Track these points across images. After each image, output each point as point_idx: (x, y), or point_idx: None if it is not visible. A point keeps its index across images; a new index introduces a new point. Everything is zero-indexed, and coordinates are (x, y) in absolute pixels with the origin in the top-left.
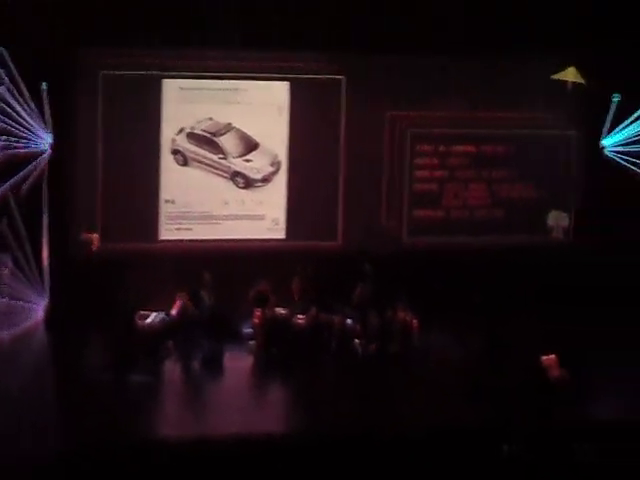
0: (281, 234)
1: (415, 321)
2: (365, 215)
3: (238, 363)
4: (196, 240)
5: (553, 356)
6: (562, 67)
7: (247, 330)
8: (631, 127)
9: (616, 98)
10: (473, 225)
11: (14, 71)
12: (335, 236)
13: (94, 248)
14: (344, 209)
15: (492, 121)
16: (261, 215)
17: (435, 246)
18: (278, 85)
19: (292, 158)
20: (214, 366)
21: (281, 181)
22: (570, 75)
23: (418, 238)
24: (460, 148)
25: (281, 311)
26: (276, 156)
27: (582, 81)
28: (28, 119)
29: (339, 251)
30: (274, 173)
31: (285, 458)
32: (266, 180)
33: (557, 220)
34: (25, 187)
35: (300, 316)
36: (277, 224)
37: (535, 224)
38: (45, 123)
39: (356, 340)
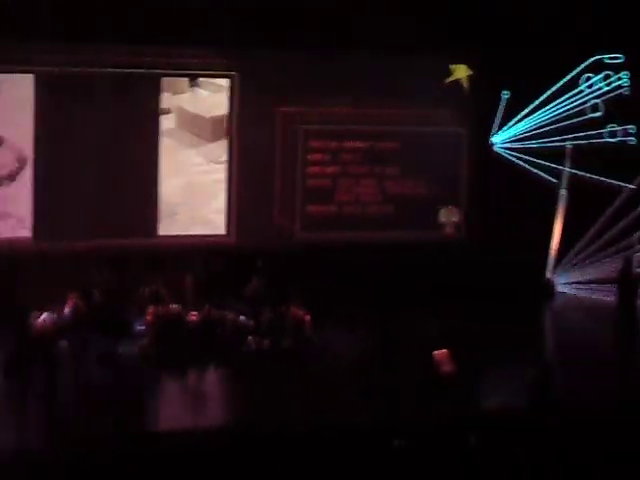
0: (27, 232)
1: (308, 316)
2: (258, 211)
3: (131, 361)
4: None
5: (445, 351)
6: (452, 65)
7: (140, 328)
8: (520, 124)
9: (505, 95)
10: (365, 221)
11: None
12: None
13: None
14: (236, 205)
15: (384, 118)
16: (8, 213)
17: (328, 242)
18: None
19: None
20: (108, 364)
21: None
22: (460, 73)
23: (311, 234)
24: (352, 144)
25: (174, 308)
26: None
27: (472, 79)
28: None
29: (232, 247)
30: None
31: (174, 455)
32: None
33: (448, 216)
34: None
35: (193, 313)
36: (23, 222)
37: (427, 220)
38: None
39: (249, 336)
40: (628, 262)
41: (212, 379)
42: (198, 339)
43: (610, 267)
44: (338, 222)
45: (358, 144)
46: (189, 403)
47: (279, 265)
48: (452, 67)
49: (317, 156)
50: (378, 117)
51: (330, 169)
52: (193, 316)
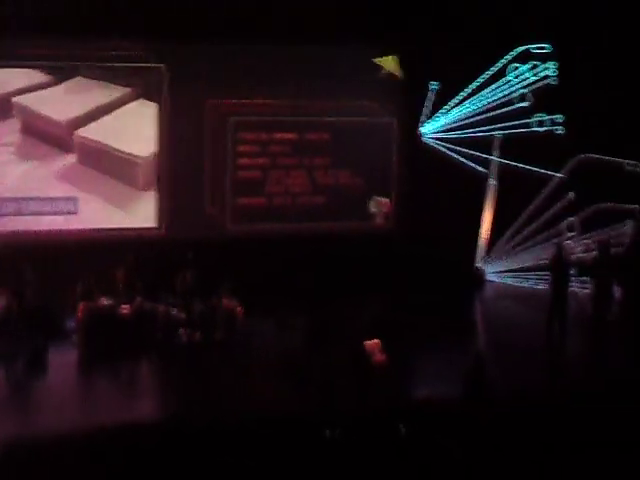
0: None
1: (239, 308)
2: (189, 203)
3: (63, 358)
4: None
5: (376, 341)
6: (381, 56)
7: (71, 324)
8: (449, 114)
9: (434, 86)
10: (296, 212)
11: None
12: None
13: None
14: (169, 197)
15: (313, 109)
16: None
17: (259, 233)
18: None
19: None
20: (38, 362)
21: None
22: (389, 63)
23: (242, 225)
24: (281, 136)
25: (105, 302)
26: None
27: (400, 69)
28: None
29: (163, 239)
30: None
31: (110, 450)
32: None
33: (378, 207)
34: None
35: (124, 306)
36: None
37: (357, 211)
38: None
39: (181, 328)
40: (560, 248)
41: (144, 373)
42: (130, 333)
43: (539, 255)
44: (269, 213)
45: (288, 135)
46: (121, 398)
47: (210, 257)
48: (380, 60)
49: (247, 148)
50: (307, 108)
51: (260, 160)
52: (125, 310)
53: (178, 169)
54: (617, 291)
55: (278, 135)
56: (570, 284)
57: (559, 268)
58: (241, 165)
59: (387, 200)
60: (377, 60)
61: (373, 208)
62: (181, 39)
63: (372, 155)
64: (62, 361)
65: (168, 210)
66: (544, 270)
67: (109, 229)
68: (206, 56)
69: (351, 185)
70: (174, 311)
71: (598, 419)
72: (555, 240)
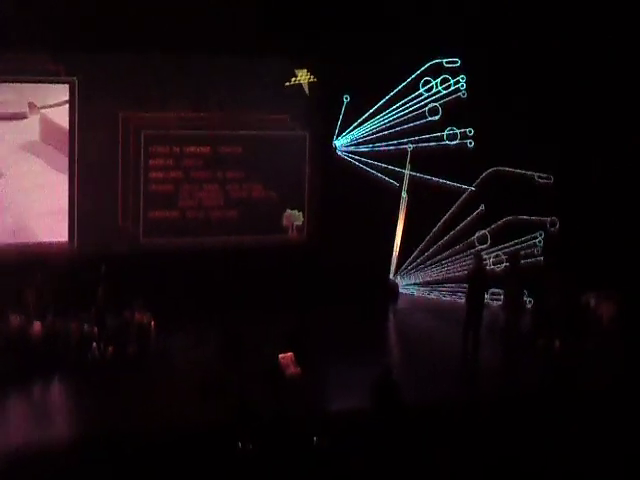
0: None
1: (152, 322)
2: (101, 217)
3: None
4: None
5: (290, 353)
6: (294, 69)
7: None
8: (361, 127)
9: (346, 99)
10: (209, 226)
11: None
12: None
13: None
14: (78, 211)
15: (226, 122)
16: None
17: (172, 247)
18: None
19: None
20: None
21: None
22: (302, 77)
23: (155, 239)
24: (194, 149)
25: (15, 320)
26: None
27: (313, 83)
28: None
29: (75, 254)
30: None
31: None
32: None
33: (292, 220)
34: None
35: (36, 323)
36: None
37: (271, 224)
38: None
39: (94, 344)
40: (479, 259)
41: (57, 391)
42: (41, 351)
43: (451, 268)
44: (182, 227)
45: (200, 149)
46: (33, 417)
47: (123, 271)
48: (295, 76)
49: (159, 161)
50: (220, 121)
51: (173, 174)
52: (36, 328)
53: (90, 183)
54: (528, 302)
55: (191, 148)
56: (486, 295)
57: (477, 279)
58: (154, 179)
59: (300, 214)
60: (291, 73)
61: (286, 221)
62: (92, 52)
63: (285, 168)
64: None
65: (80, 224)
66: (458, 282)
67: (18, 244)
68: (118, 68)
69: (264, 198)
70: (86, 326)
71: (509, 428)
72: (473, 251)
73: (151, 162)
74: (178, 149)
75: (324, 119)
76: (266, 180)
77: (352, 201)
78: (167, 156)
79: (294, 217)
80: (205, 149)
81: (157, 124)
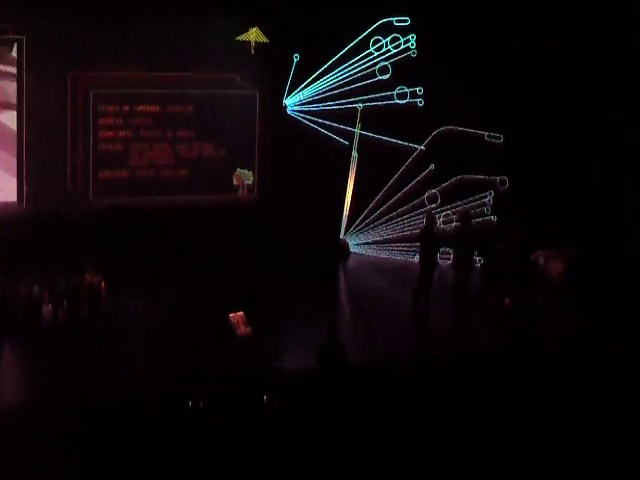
0: None
1: (103, 283)
2: (50, 177)
3: None
4: None
5: (240, 313)
6: (244, 27)
7: None
8: (311, 86)
9: (296, 58)
10: (160, 185)
11: None
12: None
13: None
14: (27, 172)
15: (176, 81)
16: None
17: (122, 207)
18: None
19: None
20: None
21: None
22: (252, 35)
23: (105, 199)
24: (144, 108)
25: None
26: None
27: (264, 41)
28: None
29: (23, 214)
30: None
31: None
32: None
33: (242, 178)
34: None
35: None
36: None
37: (221, 183)
38: None
39: (44, 307)
40: (430, 219)
41: (8, 355)
42: None
43: (401, 227)
44: (132, 187)
45: (150, 108)
46: None
47: (73, 232)
48: (242, 37)
49: (108, 120)
50: (170, 81)
51: (122, 133)
52: None
53: (38, 143)
54: (477, 261)
55: (141, 107)
56: (437, 254)
57: (428, 238)
58: (103, 138)
59: (250, 173)
60: (241, 36)
61: (236, 180)
62: (40, 9)
63: (236, 127)
64: None
65: (29, 185)
66: (409, 241)
67: None
68: (66, 27)
69: (215, 157)
70: (36, 289)
71: (459, 386)
72: (426, 210)
73: (100, 121)
74: (128, 108)
75: (274, 79)
76: (217, 139)
77: (303, 160)
78: (116, 115)
79: (244, 176)
80: (155, 108)
81: (106, 83)
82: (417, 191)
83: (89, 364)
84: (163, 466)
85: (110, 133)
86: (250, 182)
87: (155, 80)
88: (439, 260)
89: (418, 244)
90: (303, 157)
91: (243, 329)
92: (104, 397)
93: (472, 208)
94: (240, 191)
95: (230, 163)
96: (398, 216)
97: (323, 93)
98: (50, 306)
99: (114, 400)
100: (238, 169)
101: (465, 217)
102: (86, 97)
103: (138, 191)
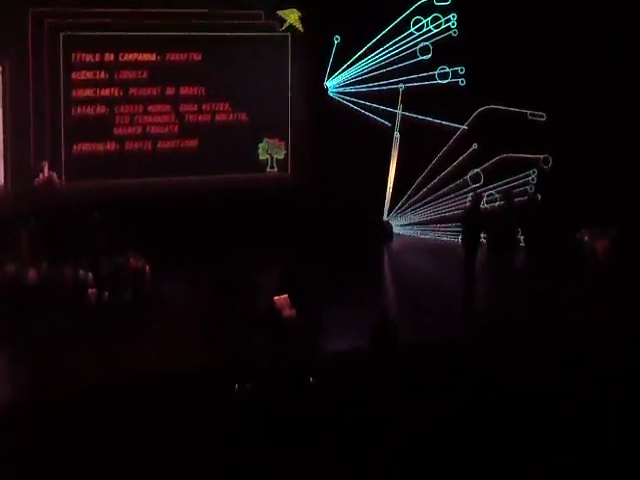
0: None
1: (147, 266)
2: (15, 153)
3: None
4: None
5: (285, 296)
6: (284, 8)
7: None
8: (352, 68)
9: (337, 39)
10: (157, 161)
11: None
12: None
13: None
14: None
15: (178, 20)
16: None
17: (102, 193)
18: None
19: None
20: None
21: None
22: (291, 17)
23: (81, 182)
24: (134, 56)
25: (10, 268)
26: None
27: (303, 23)
28: None
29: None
30: None
31: (19, 423)
32: None
33: (271, 152)
34: None
35: (31, 271)
36: None
37: (242, 158)
38: None
39: (89, 290)
40: (477, 199)
41: (55, 338)
42: (37, 298)
43: (445, 207)
44: (118, 165)
45: (143, 56)
46: (34, 365)
47: (116, 216)
48: (283, 12)
49: (86, 74)
50: (170, 18)
51: (105, 91)
52: (31, 275)
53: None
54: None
55: (130, 56)
56: (481, 235)
57: (473, 218)
58: (79, 98)
59: (281, 144)
60: (281, 12)
61: (264, 154)
62: None
63: (261, 82)
64: None
65: (5, 164)
66: (452, 222)
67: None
68: None
69: (233, 123)
70: (81, 273)
71: (509, 367)
72: (468, 190)
73: (74, 75)
74: (112, 56)
75: (315, 60)
76: (235, 98)
77: (344, 142)
78: (97, 66)
79: (273, 149)
80: (150, 56)
81: (82, 22)
82: (460, 171)
83: (136, 346)
84: (209, 448)
85: (89, 91)
86: (281, 156)
87: (149, 18)
88: (483, 240)
89: (461, 224)
90: (344, 138)
91: (288, 312)
92: (150, 380)
93: (515, 187)
94: (269, 167)
95: (254, 130)
96: (441, 197)
97: (364, 74)
98: (95, 289)
99: (160, 383)
100: (265, 139)
101: (508, 196)
102: (54, 41)
103: (127, 170)
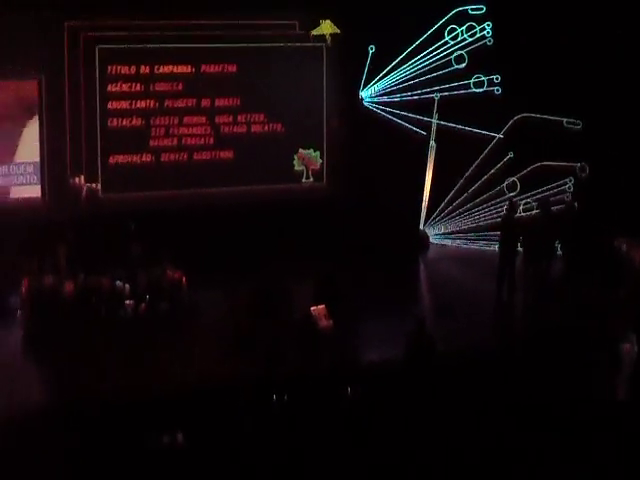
0: None
1: (184, 278)
2: (52, 164)
3: (6, 335)
4: None
5: (322, 306)
6: (317, 21)
7: (15, 300)
8: (387, 78)
9: (372, 49)
10: (193, 173)
11: None
12: None
13: None
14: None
15: (213, 31)
16: None
17: (140, 204)
18: None
19: None
20: None
21: None
22: (326, 28)
23: (118, 194)
24: (170, 68)
25: (48, 279)
26: None
27: (337, 32)
28: None
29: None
30: None
31: (57, 430)
32: None
33: (307, 162)
34: None
35: (68, 282)
36: None
37: (278, 168)
38: None
39: (126, 301)
40: (513, 207)
41: (92, 348)
42: (75, 309)
43: (481, 216)
44: (154, 176)
45: (179, 68)
46: (69, 374)
47: (152, 227)
48: (320, 23)
49: (122, 86)
50: (205, 29)
51: (141, 104)
52: (68, 287)
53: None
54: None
55: (166, 68)
56: (518, 243)
57: (510, 227)
58: (114, 110)
59: (317, 154)
60: (315, 30)
61: (300, 164)
62: None
63: (297, 93)
64: (6, 338)
65: (43, 175)
66: (489, 230)
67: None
68: None
69: (269, 134)
70: (119, 284)
71: (544, 375)
72: (505, 198)
73: (110, 88)
74: (147, 69)
75: (349, 70)
76: (271, 109)
77: (379, 151)
78: (132, 79)
79: (310, 158)
80: (185, 68)
81: (117, 35)
82: (496, 180)
83: (173, 357)
84: (245, 458)
85: (124, 104)
86: (317, 166)
87: (184, 30)
88: (520, 249)
89: (498, 233)
90: (379, 148)
91: (325, 322)
92: (186, 390)
93: (552, 195)
94: (304, 178)
95: (290, 141)
96: (477, 205)
97: (399, 84)
98: (132, 300)
99: (196, 393)
100: (300, 150)
101: (545, 205)
102: (90, 54)
103: (164, 182)
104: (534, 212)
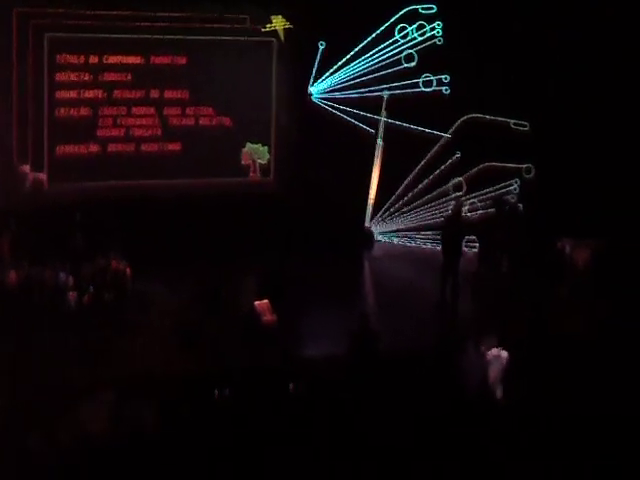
0: None
1: (128, 268)
2: None
3: None
4: None
5: (266, 301)
6: (270, 15)
7: None
8: (337, 74)
9: (322, 46)
10: (141, 164)
11: None
12: None
13: None
14: None
15: (163, 22)
16: None
17: (86, 194)
18: None
19: None
20: None
21: None
22: (277, 23)
23: (65, 184)
24: (119, 59)
25: None
26: None
27: (289, 27)
28: None
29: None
30: None
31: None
32: None
33: (253, 156)
34: None
35: (11, 272)
36: None
37: (224, 162)
38: None
39: (70, 292)
40: (459, 206)
41: (35, 339)
42: (17, 300)
43: (427, 215)
44: (102, 167)
45: (128, 59)
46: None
47: (98, 217)
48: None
49: (70, 75)
50: (156, 21)
51: (89, 93)
52: (11, 277)
53: None
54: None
55: (115, 58)
56: (462, 242)
57: (453, 226)
58: (63, 100)
59: (265, 149)
60: (267, 26)
61: (246, 159)
62: None
63: (245, 87)
64: None
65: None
66: (434, 229)
67: None
68: None
69: (216, 127)
70: (62, 275)
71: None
72: (451, 198)
73: (58, 77)
74: (96, 58)
75: (299, 66)
76: (219, 103)
77: (327, 148)
78: (81, 68)
79: (257, 153)
80: (134, 59)
81: (67, 24)
82: (442, 179)
83: (114, 349)
84: (187, 453)
85: (72, 93)
86: (264, 161)
87: (135, 20)
88: (464, 248)
89: (441, 231)
90: (327, 144)
91: (268, 317)
92: (130, 382)
93: (503, 195)
94: (250, 172)
95: (237, 135)
96: (423, 204)
97: (348, 81)
98: (75, 292)
99: (138, 387)
100: (248, 144)
101: (499, 204)
102: (39, 42)
103: (110, 173)
104: (488, 211)
